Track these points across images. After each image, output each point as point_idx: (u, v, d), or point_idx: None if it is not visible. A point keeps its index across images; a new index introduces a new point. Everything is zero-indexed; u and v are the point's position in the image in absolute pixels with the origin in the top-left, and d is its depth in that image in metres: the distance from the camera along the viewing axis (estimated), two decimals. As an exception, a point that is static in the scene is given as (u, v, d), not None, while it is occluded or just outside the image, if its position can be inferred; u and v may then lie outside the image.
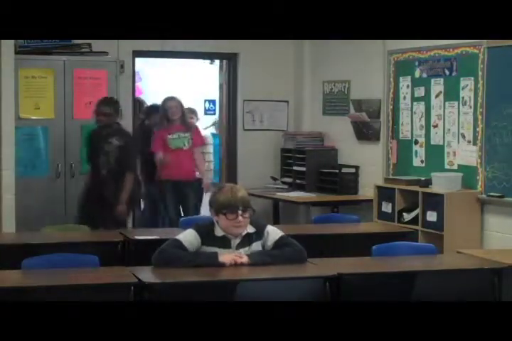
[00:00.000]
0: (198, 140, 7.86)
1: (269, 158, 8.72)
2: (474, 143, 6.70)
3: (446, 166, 6.98)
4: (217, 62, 9.16)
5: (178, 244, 4.40)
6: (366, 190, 7.86)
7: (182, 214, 7.58)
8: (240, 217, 4.40)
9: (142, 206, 8.04)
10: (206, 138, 8.68)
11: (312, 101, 8.72)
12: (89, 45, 7.79)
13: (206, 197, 8.08)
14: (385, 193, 7.22)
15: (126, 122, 8.09)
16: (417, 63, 7.30)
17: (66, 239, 5.38)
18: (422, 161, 7.29)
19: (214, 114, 11.14)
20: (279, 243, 4.50)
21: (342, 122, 8.19)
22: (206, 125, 10.67)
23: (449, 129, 6.96)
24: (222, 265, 4.34)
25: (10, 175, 7.04)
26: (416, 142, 7.33)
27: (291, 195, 8.08)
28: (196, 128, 7.97)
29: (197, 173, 7.85)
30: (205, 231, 4.46)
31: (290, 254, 4.48)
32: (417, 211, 6.85)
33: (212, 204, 4.53)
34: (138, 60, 8.48)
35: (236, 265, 4.35)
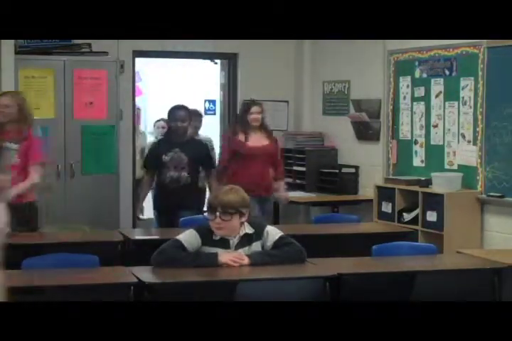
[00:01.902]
0: (35, 155, 5.87)
1: (269, 158, 8.71)
2: (474, 143, 6.70)
3: (446, 166, 6.99)
4: (219, 61, 9.16)
5: (178, 244, 4.40)
6: (366, 190, 7.86)
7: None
8: (218, 219, 4.40)
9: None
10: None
11: (312, 101, 8.72)
12: (89, 45, 7.79)
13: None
14: (385, 193, 7.22)
15: (126, 123, 8.10)
16: (417, 63, 7.30)
17: (66, 239, 5.38)
18: (422, 161, 7.29)
19: (214, 114, 11.13)
20: (278, 243, 4.51)
21: (342, 122, 8.20)
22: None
23: (449, 129, 6.96)
24: (222, 265, 4.35)
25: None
26: (416, 142, 7.33)
27: (291, 195, 8.07)
28: (34, 139, 5.96)
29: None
30: (205, 232, 4.47)
31: (290, 254, 4.48)
32: (417, 211, 6.85)
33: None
34: (138, 60, 8.48)
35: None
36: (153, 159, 6.74)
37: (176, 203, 6.56)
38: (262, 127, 7.03)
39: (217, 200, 4.42)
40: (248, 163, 6.83)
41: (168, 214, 6.60)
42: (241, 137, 6.91)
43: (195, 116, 7.83)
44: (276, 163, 7.14)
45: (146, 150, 7.25)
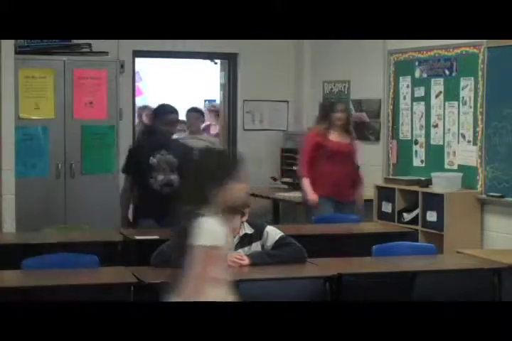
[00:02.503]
0: None
1: (269, 158, 8.72)
2: (474, 143, 6.70)
3: (446, 166, 6.98)
4: (219, 61, 9.17)
5: (178, 244, 4.39)
6: (366, 190, 7.86)
7: None
8: None
9: None
10: None
11: (312, 101, 8.72)
12: (89, 45, 7.78)
13: None
14: (385, 193, 7.22)
15: (126, 123, 8.10)
16: (417, 63, 7.30)
17: (66, 239, 5.38)
18: (422, 161, 7.29)
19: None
20: (278, 243, 4.51)
21: (342, 122, 8.19)
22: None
23: (449, 129, 6.96)
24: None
25: (10, 175, 7.04)
26: (416, 142, 7.33)
27: (291, 195, 8.08)
28: None
29: None
30: (205, 232, 4.46)
31: (290, 254, 4.48)
32: (417, 211, 6.85)
33: None
34: (138, 60, 8.49)
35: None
36: (136, 162, 6.13)
37: (170, 209, 6.09)
38: (345, 127, 6.87)
39: None
40: (332, 161, 6.68)
41: (158, 223, 5.97)
42: (325, 134, 6.77)
43: (200, 115, 7.76)
44: (355, 166, 6.95)
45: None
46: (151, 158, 6.04)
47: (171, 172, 6.06)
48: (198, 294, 3.15)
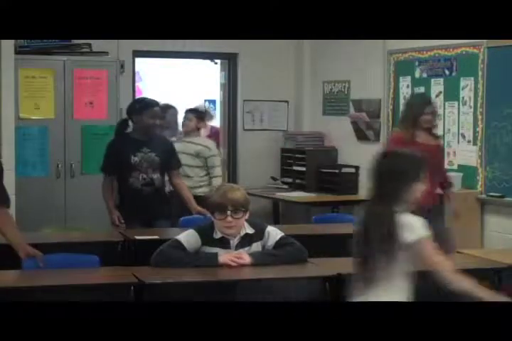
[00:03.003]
0: None
1: (269, 158, 8.72)
2: (474, 143, 6.70)
3: (446, 166, 6.98)
4: (219, 61, 9.18)
5: (178, 245, 4.39)
6: (366, 190, 7.84)
7: None
8: (230, 218, 4.37)
9: None
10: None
11: (312, 101, 8.72)
12: (89, 45, 7.79)
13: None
14: (385, 193, 7.20)
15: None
16: (417, 63, 7.30)
17: (66, 239, 5.38)
18: (422, 161, 7.28)
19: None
20: (280, 243, 4.50)
21: (342, 122, 8.20)
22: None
23: (449, 129, 6.97)
24: (222, 265, 4.34)
25: (10, 175, 7.03)
26: (416, 142, 7.33)
27: (291, 195, 8.08)
28: None
29: None
30: (206, 232, 4.46)
31: (291, 253, 4.48)
32: (417, 211, 6.84)
33: (207, 204, 4.57)
34: (138, 60, 8.49)
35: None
36: (116, 161, 5.97)
37: (152, 210, 5.93)
38: (432, 128, 6.24)
39: (227, 199, 4.37)
40: None
41: (141, 224, 5.88)
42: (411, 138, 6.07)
43: (194, 117, 7.52)
44: (442, 169, 6.33)
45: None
46: (133, 156, 5.90)
47: (152, 171, 5.92)
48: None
